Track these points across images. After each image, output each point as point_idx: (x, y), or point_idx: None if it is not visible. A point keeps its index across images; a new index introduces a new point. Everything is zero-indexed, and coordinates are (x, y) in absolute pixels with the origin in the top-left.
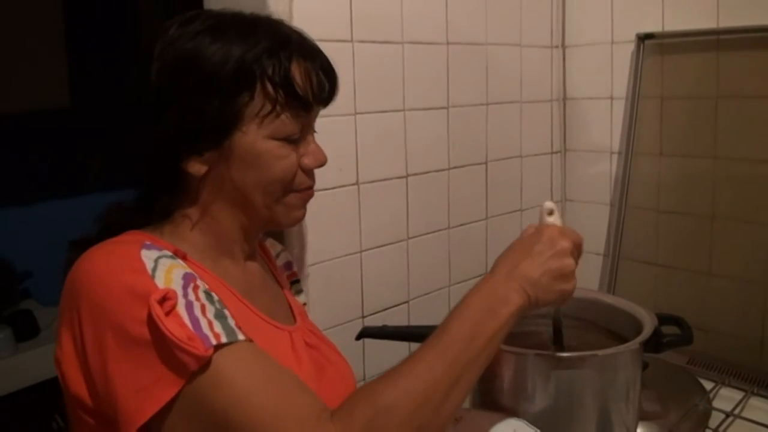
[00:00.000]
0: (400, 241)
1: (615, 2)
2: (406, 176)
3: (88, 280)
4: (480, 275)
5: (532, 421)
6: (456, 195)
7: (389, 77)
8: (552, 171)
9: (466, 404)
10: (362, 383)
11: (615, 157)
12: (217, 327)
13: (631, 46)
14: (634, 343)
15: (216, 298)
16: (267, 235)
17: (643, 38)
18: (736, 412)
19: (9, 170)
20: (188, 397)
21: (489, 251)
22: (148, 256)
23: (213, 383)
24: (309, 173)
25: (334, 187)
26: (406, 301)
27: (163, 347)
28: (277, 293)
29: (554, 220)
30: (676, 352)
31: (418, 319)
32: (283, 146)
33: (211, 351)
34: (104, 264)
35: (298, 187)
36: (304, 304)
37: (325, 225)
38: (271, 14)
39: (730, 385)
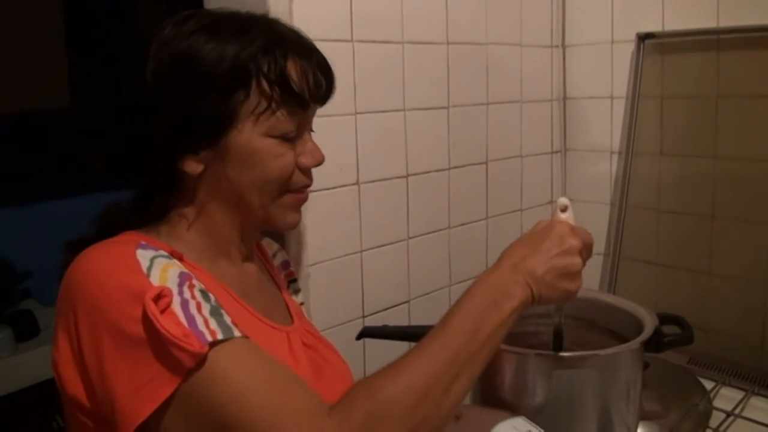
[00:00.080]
0: (401, 240)
1: (615, 2)
2: (407, 176)
3: (84, 281)
4: None
5: (533, 421)
6: (456, 195)
7: (389, 77)
8: (552, 171)
9: (467, 402)
10: None
11: (615, 156)
12: (213, 324)
13: (632, 46)
14: (635, 343)
15: (212, 296)
16: (264, 235)
17: (643, 38)
18: (737, 411)
19: (9, 170)
20: (185, 394)
21: (489, 251)
22: (143, 256)
23: (209, 380)
24: (306, 172)
25: (334, 187)
26: (407, 301)
27: (159, 345)
28: (274, 294)
29: (567, 217)
30: (677, 351)
31: (419, 319)
32: (280, 144)
33: (206, 348)
34: (100, 264)
35: (294, 187)
36: (301, 303)
37: (326, 225)
38: (269, 13)
39: (730, 385)
